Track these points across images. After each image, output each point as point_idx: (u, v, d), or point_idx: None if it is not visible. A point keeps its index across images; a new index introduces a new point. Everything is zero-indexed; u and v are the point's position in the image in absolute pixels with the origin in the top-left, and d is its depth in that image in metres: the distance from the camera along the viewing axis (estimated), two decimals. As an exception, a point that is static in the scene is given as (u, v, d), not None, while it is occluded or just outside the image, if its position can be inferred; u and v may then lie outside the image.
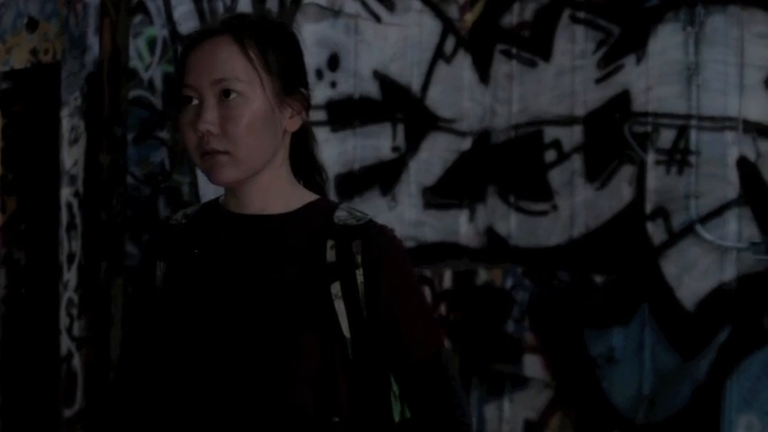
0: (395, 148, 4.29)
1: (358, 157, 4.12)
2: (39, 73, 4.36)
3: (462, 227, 4.60)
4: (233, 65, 1.40)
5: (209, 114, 1.39)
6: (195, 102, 1.41)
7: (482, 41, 4.53)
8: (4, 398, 4.62)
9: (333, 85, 4.00)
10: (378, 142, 4.19)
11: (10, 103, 4.58)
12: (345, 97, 4.07)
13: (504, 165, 4.51)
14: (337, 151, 4.03)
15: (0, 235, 4.44)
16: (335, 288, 1.42)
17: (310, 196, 1.54)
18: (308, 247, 1.45)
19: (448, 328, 4.47)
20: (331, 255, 1.44)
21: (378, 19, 4.14)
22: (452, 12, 4.46)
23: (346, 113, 4.07)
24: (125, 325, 3.54)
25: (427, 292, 4.41)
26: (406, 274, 1.47)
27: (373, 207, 4.23)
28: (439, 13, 4.41)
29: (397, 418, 1.47)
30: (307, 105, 1.51)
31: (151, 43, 3.93)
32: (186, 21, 3.55)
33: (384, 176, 4.23)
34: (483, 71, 4.57)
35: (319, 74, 3.95)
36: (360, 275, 1.43)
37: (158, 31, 3.76)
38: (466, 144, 4.61)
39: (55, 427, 4.51)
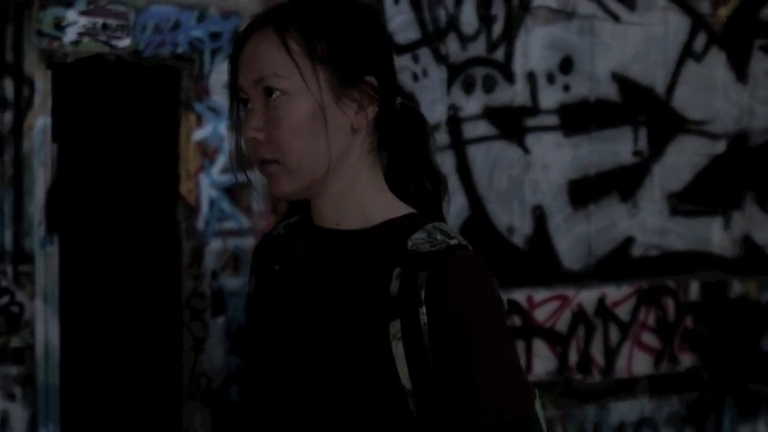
0: (636, 153, 4.13)
1: (594, 162, 4.00)
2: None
3: (715, 235, 4.34)
4: (272, 60, 1.21)
5: (254, 119, 1.23)
6: (250, 105, 1.25)
7: (738, 37, 4.27)
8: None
9: (566, 88, 3.92)
10: (616, 146, 4.05)
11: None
12: (580, 101, 3.98)
13: (763, 169, 4.17)
14: (570, 156, 3.95)
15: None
16: (395, 327, 1.18)
17: (399, 209, 1.28)
18: (374, 273, 1.22)
19: (694, 342, 4.21)
20: (395, 286, 1.19)
21: (616, 19, 4.00)
22: (703, 7, 4.24)
23: (581, 117, 3.96)
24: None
25: (670, 303, 4.16)
26: (482, 317, 1.18)
27: (612, 213, 4.11)
28: (687, 10, 4.18)
29: None
30: (379, 96, 1.26)
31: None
32: (405, 31, 3.60)
33: (624, 182, 4.10)
34: (739, 69, 4.31)
35: (551, 77, 3.89)
36: (423, 315, 1.17)
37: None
38: (719, 147, 4.36)
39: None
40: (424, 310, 1.17)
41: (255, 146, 1.24)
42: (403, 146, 1.32)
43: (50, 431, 3.76)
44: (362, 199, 1.27)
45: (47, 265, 3.77)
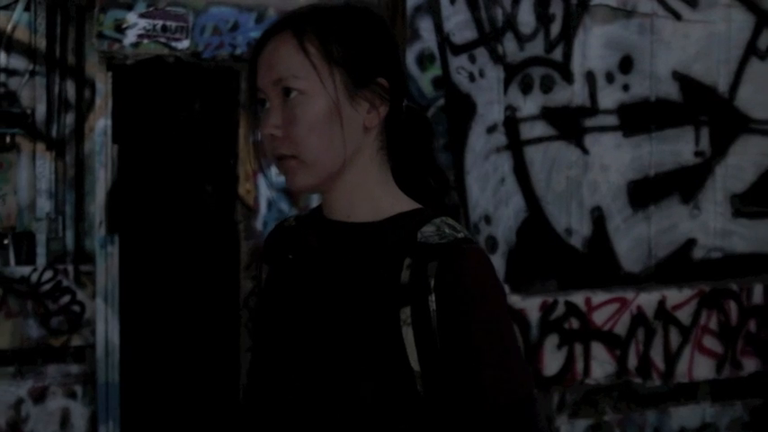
0: (698, 153, 4.07)
1: (654, 162, 3.95)
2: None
3: (780, 238, 4.23)
4: (290, 61, 1.31)
5: (272, 117, 1.32)
6: (267, 104, 1.34)
7: (805, 34, 4.15)
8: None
9: (625, 88, 3.88)
10: (678, 147, 3.99)
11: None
12: (640, 100, 3.94)
13: (830, 169, 4.08)
14: (630, 157, 3.91)
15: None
16: (405, 313, 1.27)
17: (407, 204, 1.37)
18: (385, 263, 1.31)
19: (758, 346, 4.13)
20: (405, 275, 1.28)
21: (677, 16, 3.96)
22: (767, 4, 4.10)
23: (641, 117, 3.92)
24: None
25: (733, 306, 4.08)
26: (487, 305, 1.27)
27: (672, 215, 4.05)
28: (751, 6, 4.11)
29: None
30: (389, 97, 1.35)
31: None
32: (461, 31, 3.58)
33: (685, 183, 4.04)
34: (806, 66, 4.18)
35: (610, 77, 3.85)
36: (432, 302, 1.25)
37: (426, 43, 3.82)
38: (784, 147, 4.23)
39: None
40: (433, 297, 1.26)
41: (273, 142, 1.33)
42: (410, 145, 1.42)
43: (110, 429, 3.82)
44: (373, 194, 1.37)
45: (107, 264, 3.83)
